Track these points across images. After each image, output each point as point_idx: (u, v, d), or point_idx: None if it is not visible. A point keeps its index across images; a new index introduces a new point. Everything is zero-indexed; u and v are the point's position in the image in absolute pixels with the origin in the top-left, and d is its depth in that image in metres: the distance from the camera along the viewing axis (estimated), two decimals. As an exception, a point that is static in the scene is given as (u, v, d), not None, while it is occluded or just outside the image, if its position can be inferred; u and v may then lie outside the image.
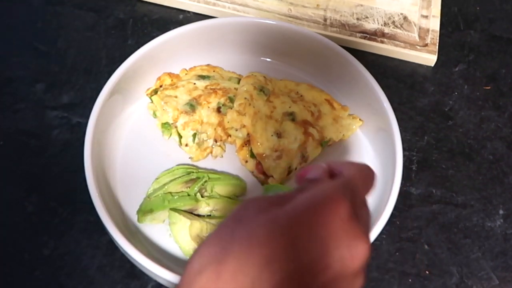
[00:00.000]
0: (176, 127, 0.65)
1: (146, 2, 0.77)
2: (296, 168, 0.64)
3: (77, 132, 0.66)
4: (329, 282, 0.35)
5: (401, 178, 0.59)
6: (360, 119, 0.68)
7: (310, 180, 0.42)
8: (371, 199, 0.56)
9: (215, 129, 0.65)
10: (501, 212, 0.66)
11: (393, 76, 0.75)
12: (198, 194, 0.61)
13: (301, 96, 0.69)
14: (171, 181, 0.61)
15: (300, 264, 0.34)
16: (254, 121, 0.64)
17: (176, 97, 0.65)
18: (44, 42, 0.73)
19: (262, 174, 0.64)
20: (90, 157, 0.57)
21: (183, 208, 0.60)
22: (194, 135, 0.64)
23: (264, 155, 0.63)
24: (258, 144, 0.63)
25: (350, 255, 0.35)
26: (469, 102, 0.74)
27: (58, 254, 0.59)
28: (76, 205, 0.62)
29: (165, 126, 0.65)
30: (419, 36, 0.76)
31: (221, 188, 0.62)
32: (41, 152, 0.65)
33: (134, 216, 0.61)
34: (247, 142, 0.64)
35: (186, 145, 0.65)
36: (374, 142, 0.67)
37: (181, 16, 0.77)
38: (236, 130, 0.64)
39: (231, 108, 0.64)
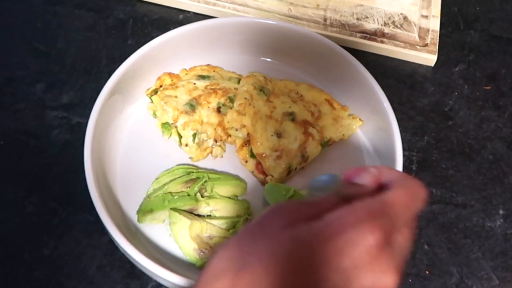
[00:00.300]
0: (176, 127, 0.65)
1: (146, 2, 0.77)
2: (296, 168, 0.64)
3: (77, 132, 0.66)
4: None
5: (401, 178, 0.59)
6: (360, 119, 0.68)
7: (355, 186, 0.40)
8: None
9: (215, 129, 0.65)
10: (501, 212, 0.66)
11: (393, 76, 0.75)
12: (198, 194, 0.61)
13: (301, 96, 0.69)
14: (171, 181, 0.61)
15: None
16: (254, 121, 0.64)
17: (176, 97, 0.65)
18: (44, 42, 0.73)
19: (262, 174, 0.64)
20: (90, 157, 0.57)
21: (183, 208, 0.60)
22: (194, 135, 0.64)
23: (264, 155, 0.63)
24: (258, 144, 0.63)
25: (374, 287, 0.34)
26: (469, 102, 0.74)
27: (58, 254, 0.59)
28: (76, 205, 0.62)
29: (165, 126, 0.65)
30: (419, 36, 0.76)
31: (221, 188, 0.62)
32: (41, 152, 0.65)
33: (134, 216, 0.61)
34: (247, 142, 0.64)
35: (186, 145, 0.65)
36: (374, 142, 0.67)
37: (181, 16, 0.77)
38: (236, 130, 0.64)
39: (231, 108, 0.64)
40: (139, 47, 0.64)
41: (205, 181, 0.61)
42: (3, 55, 0.72)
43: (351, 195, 0.38)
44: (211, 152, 0.65)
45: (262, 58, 0.73)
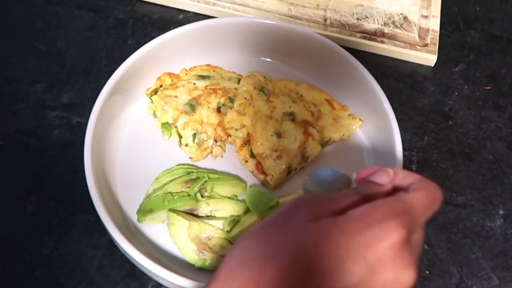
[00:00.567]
0: (176, 127, 0.65)
1: (146, 2, 0.77)
2: (296, 168, 0.64)
3: (77, 132, 0.66)
4: None
5: (401, 178, 0.59)
6: (360, 119, 0.68)
7: (373, 184, 0.41)
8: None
9: (215, 129, 0.65)
10: (501, 212, 0.66)
11: (393, 76, 0.75)
12: (198, 194, 0.61)
13: (301, 96, 0.69)
14: (171, 181, 0.61)
15: (343, 284, 0.34)
16: (254, 121, 0.64)
17: (176, 97, 0.65)
18: (44, 42, 0.73)
19: (262, 174, 0.64)
20: (90, 157, 0.57)
21: (183, 208, 0.60)
22: (194, 135, 0.64)
23: (264, 155, 0.63)
24: (258, 144, 0.63)
25: (394, 281, 0.35)
26: (469, 102, 0.74)
27: (58, 254, 0.59)
28: (76, 205, 0.62)
29: (165, 126, 0.65)
30: (419, 36, 0.76)
31: (221, 188, 0.62)
32: (41, 152, 0.65)
33: (134, 216, 0.61)
34: (247, 142, 0.64)
35: (186, 145, 0.65)
36: (374, 142, 0.67)
37: (181, 16, 0.77)
38: (236, 130, 0.64)
39: (231, 108, 0.64)
40: (139, 47, 0.64)
41: (205, 181, 0.61)
42: (3, 55, 0.72)
43: (370, 193, 0.39)
44: (211, 152, 0.65)
45: (262, 58, 0.73)
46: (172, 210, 0.59)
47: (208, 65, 0.71)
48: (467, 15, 0.81)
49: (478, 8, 0.82)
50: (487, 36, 0.80)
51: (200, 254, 0.58)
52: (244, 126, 0.64)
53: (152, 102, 0.66)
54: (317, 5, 0.77)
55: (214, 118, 0.65)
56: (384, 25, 0.76)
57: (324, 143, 0.66)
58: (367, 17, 0.77)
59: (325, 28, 0.75)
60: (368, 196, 0.39)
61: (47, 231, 0.60)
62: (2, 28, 0.74)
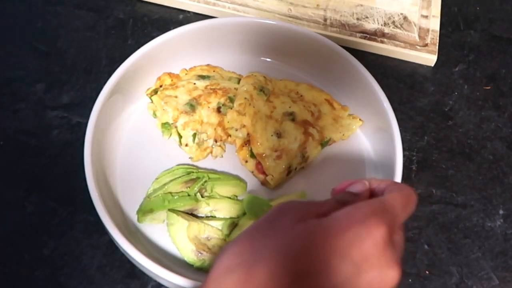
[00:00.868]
0: (176, 127, 0.65)
1: (146, 2, 0.77)
2: (296, 168, 0.64)
3: (77, 132, 0.66)
4: None
5: (401, 178, 0.59)
6: (360, 119, 0.68)
7: (350, 194, 0.42)
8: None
9: (215, 129, 0.65)
10: (501, 212, 0.66)
11: (393, 76, 0.75)
12: (198, 194, 0.61)
13: (301, 96, 0.69)
14: (171, 181, 0.61)
15: (331, 283, 0.34)
16: (254, 121, 0.64)
17: (176, 97, 0.65)
18: (44, 42, 0.73)
19: (262, 174, 0.64)
20: (90, 157, 0.57)
21: (183, 208, 0.60)
22: (194, 135, 0.64)
23: (264, 155, 0.63)
24: (258, 144, 0.63)
25: (380, 280, 0.35)
26: (469, 102, 0.74)
27: (58, 254, 0.59)
28: (76, 205, 0.62)
29: (165, 126, 0.65)
30: (419, 36, 0.76)
31: (221, 188, 0.62)
32: (41, 152, 0.65)
33: (134, 216, 0.61)
34: (247, 142, 0.64)
35: (186, 145, 0.65)
36: (374, 142, 0.67)
37: (181, 16, 0.77)
38: (236, 130, 0.64)
39: (231, 108, 0.64)
40: (139, 47, 0.64)
41: (205, 181, 0.61)
42: (3, 55, 0.72)
43: (347, 201, 0.40)
44: (211, 152, 0.65)
45: (262, 58, 0.73)
46: (171, 210, 0.59)
47: (208, 65, 0.71)
48: (467, 15, 0.81)
49: (478, 8, 0.82)
50: (487, 36, 0.80)
51: (199, 254, 0.58)
52: (244, 126, 0.64)
53: (152, 102, 0.66)
54: (317, 5, 0.77)
55: (214, 118, 0.65)
56: (384, 25, 0.76)
57: (324, 143, 0.66)
58: (367, 17, 0.77)
59: (325, 28, 0.75)
60: (346, 203, 0.40)
61: (47, 231, 0.60)
62: (2, 28, 0.74)
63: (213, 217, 0.61)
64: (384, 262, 0.36)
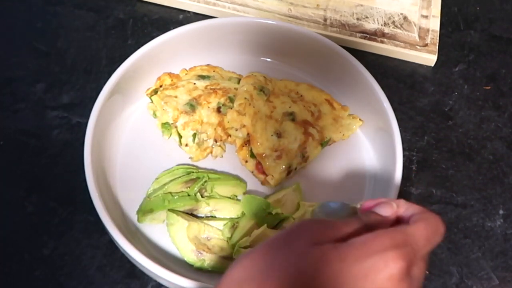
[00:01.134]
0: (176, 127, 0.65)
1: (146, 2, 0.77)
2: (296, 168, 0.64)
3: (77, 132, 0.66)
4: None
5: (401, 178, 0.59)
6: (360, 119, 0.68)
7: (376, 215, 0.41)
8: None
9: (215, 129, 0.65)
10: (501, 212, 0.66)
11: (393, 76, 0.75)
12: (198, 194, 0.61)
13: (301, 96, 0.69)
14: (171, 181, 0.61)
15: None
16: (254, 121, 0.64)
17: (176, 97, 0.65)
18: (44, 42, 0.73)
19: (262, 174, 0.64)
20: (90, 157, 0.57)
21: (183, 208, 0.60)
22: (194, 135, 0.64)
23: (264, 155, 0.63)
24: (258, 144, 0.63)
25: None
26: (469, 102, 0.74)
27: (58, 254, 0.59)
28: (76, 205, 0.62)
29: (165, 126, 0.65)
30: (419, 36, 0.76)
31: (221, 188, 0.62)
32: (41, 152, 0.65)
33: (134, 216, 0.61)
34: (247, 142, 0.64)
35: (186, 145, 0.65)
36: (374, 142, 0.67)
37: (181, 16, 0.77)
38: (236, 130, 0.64)
39: (231, 108, 0.64)
40: (139, 47, 0.64)
41: (205, 181, 0.61)
42: (3, 55, 0.72)
43: (373, 223, 0.39)
44: (211, 152, 0.65)
45: (262, 58, 0.73)
46: (171, 210, 0.59)
47: (208, 65, 0.71)
48: (467, 15, 0.81)
49: (478, 8, 0.82)
50: (487, 36, 0.80)
51: (199, 254, 0.58)
52: (244, 126, 0.64)
53: (152, 102, 0.66)
54: (317, 5, 0.77)
55: (214, 118, 0.65)
56: (384, 25, 0.76)
57: (324, 143, 0.66)
58: (367, 17, 0.77)
59: (325, 28, 0.75)
60: (370, 225, 0.39)
61: (47, 231, 0.60)
62: (2, 28, 0.74)
63: (213, 217, 0.61)
64: None
